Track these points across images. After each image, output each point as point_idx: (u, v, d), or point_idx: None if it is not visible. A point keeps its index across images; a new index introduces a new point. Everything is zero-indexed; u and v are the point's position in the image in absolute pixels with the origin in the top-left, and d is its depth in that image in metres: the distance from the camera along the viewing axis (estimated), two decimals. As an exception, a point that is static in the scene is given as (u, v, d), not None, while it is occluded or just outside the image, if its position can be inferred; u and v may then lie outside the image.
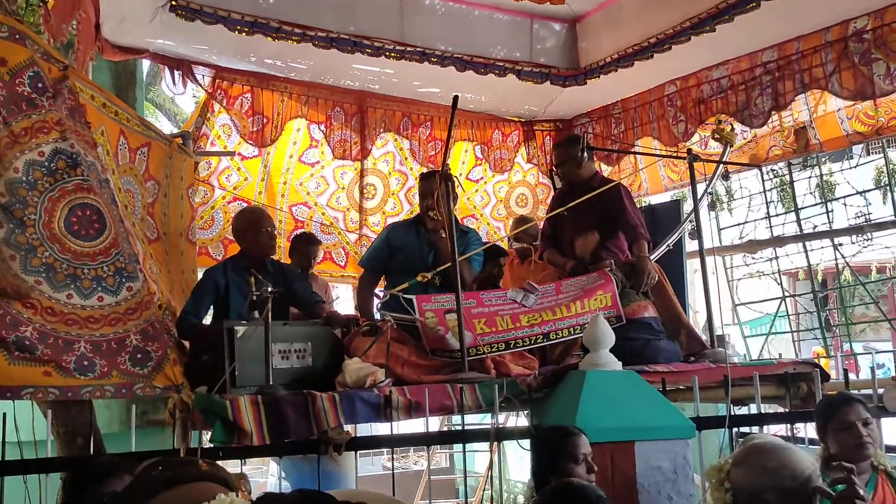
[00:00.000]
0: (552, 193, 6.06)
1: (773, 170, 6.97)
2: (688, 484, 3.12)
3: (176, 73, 5.19)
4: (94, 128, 3.37)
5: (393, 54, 5.19)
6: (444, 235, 3.95)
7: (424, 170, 5.96)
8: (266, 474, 7.77)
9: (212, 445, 2.99)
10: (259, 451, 3.12)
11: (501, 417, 3.46)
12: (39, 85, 2.96)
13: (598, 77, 5.69)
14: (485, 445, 3.42)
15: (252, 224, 4.06)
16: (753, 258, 7.09)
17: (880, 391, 3.61)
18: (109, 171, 3.41)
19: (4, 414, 2.85)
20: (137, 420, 3.20)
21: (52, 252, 2.94)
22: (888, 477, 2.86)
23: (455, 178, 4.03)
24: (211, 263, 4.83)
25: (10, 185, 2.85)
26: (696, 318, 6.05)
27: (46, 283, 2.90)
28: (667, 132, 5.74)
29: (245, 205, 5.31)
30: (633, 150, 5.97)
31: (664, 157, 5.81)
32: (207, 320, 4.04)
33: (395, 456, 3.61)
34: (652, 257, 4.45)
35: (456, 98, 3.81)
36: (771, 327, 7.22)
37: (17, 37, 2.91)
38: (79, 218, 3.01)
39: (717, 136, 4.80)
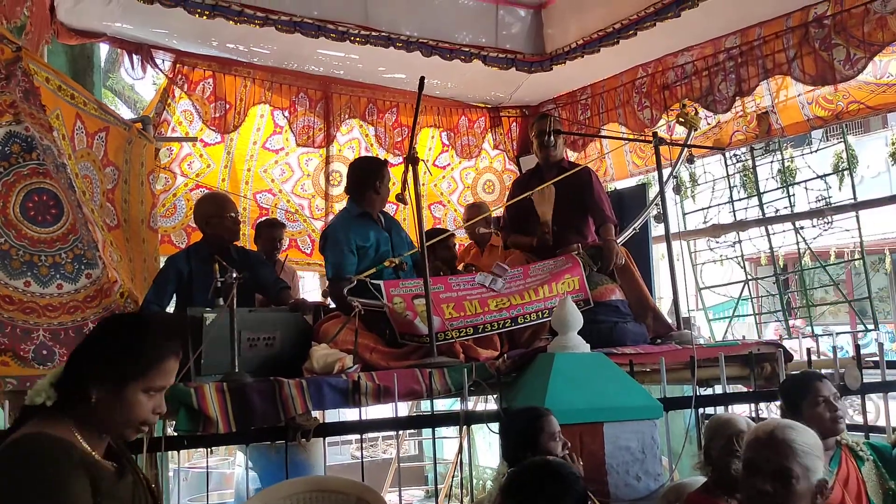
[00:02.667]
0: (511, 185, 6.06)
1: (735, 155, 7.07)
2: (655, 464, 3.15)
3: (135, 57, 5.07)
4: (49, 111, 3.28)
5: (358, 39, 5.13)
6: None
7: (390, 156, 5.93)
8: (233, 465, 7.68)
9: (176, 434, 2.93)
10: (225, 438, 3.06)
11: (470, 403, 3.46)
12: (-9, 66, 2.87)
13: (564, 63, 5.69)
14: (453, 432, 3.41)
15: (216, 209, 4.00)
16: (717, 242, 7.18)
17: (842, 371, 3.68)
18: (66, 156, 3.33)
19: (-40, 405, 2.76)
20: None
21: (7, 238, 2.86)
22: (851, 452, 2.91)
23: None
24: (174, 251, 4.75)
25: (-38, 169, 2.76)
26: (662, 304, 6.12)
27: (2, 270, 2.83)
28: (633, 118, 5.77)
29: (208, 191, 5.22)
30: (600, 133, 6.00)
31: (630, 140, 5.85)
32: (170, 309, 3.97)
33: (363, 444, 3.59)
34: (619, 241, 4.47)
35: (422, 79, 3.77)
36: (735, 310, 7.33)
37: (-33, 17, 2.81)
38: (35, 203, 2.93)
39: (681, 119, 4.84)
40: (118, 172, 4.31)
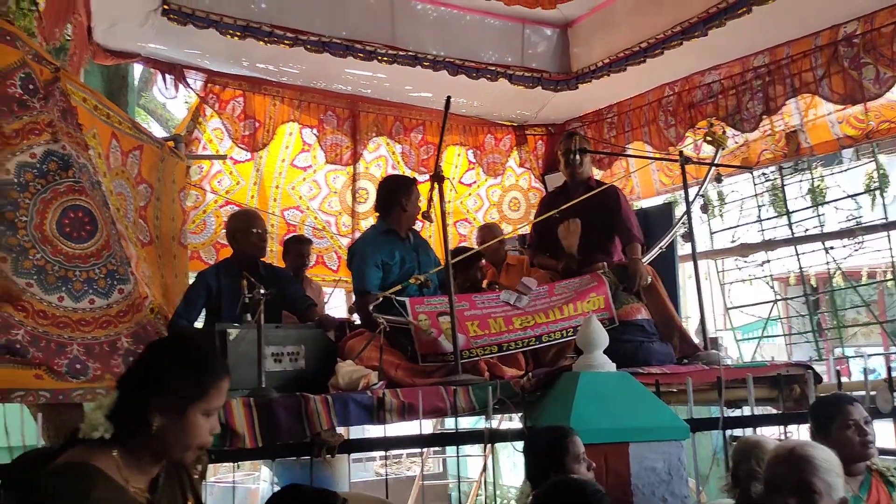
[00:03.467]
0: (539, 204, 6.07)
1: (764, 174, 7.01)
2: (682, 485, 3.11)
3: (168, 77, 5.19)
4: (85, 130, 3.35)
5: (385, 58, 5.21)
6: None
7: (416, 174, 5.97)
8: (258, 480, 7.72)
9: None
10: (251, 453, 3.10)
11: (494, 421, 3.45)
12: (31, 86, 2.94)
13: (590, 81, 5.72)
14: (477, 450, 3.40)
15: (242, 224, 4.07)
16: (745, 261, 7.11)
17: (873, 393, 3.62)
18: (101, 174, 3.40)
19: (-6, 417, 2.82)
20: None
21: (43, 254, 2.91)
22: (882, 478, 2.86)
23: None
24: (203, 268, 4.82)
25: (1, 186, 2.83)
26: (689, 324, 6.06)
27: (38, 285, 2.87)
28: (658, 136, 5.76)
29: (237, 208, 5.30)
30: (626, 152, 5.99)
31: (656, 159, 5.83)
32: (200, 324, 4.02)
33: (387, 461, 3.60)
34: (644, 260, 4.46)
35: (448, 99, 3.81)
36: (763, 331, 7.24)
37: (8, 38, 2.89)
38: (70, 220, 2.98)
39: (708, 138, 4.82)
40: (151, 190, 4.38)
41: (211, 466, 5.59)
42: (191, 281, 4.43)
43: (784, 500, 2.05)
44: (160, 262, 4.38)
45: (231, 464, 3.24)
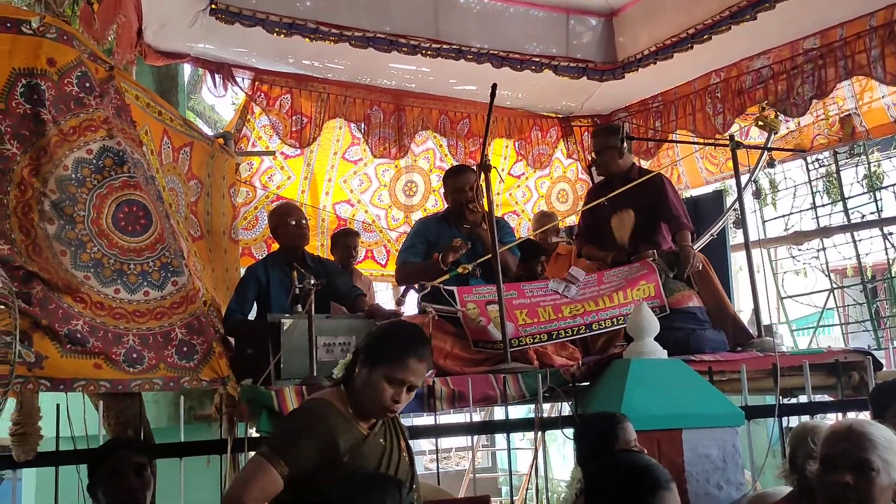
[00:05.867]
0: (587, 193, 6.02)
1: (818, 159, 6.84)
2: (737, 472, 3.06)
3: (217, 76, 5.28)
4: (138, 127, 3.43)
5: (429, 52, 5.22)
6: (485, 227, 3.94)
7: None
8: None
9: (258, 435, 3.02)
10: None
11: (545, 410, 3.43)
12: (87, 84, 3.03)
13: (636, 70, 5.65)
14: (527, 443, 3.39)
15: (278, 218, 4.14)
16: (800, 249, 6.95)
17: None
18: (154, 170, 3.48)
19: (58, 406, 2.91)
20: (184, 416, 3.24)
21: (100, 248, 2.99)
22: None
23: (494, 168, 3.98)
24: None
25: (60, 182, 2.91)
26: (741, 317, 5.94)
27: (95, 278, 2.95)
28: (705, 124, 5.66)
29: (283, 203, 5.37)
30: (673, 139, 5.91)
31: (706, 144, 5.73)
32: (251, 317, 4.09)
33: (438, 455, 3.61)
34: (695, 247, 4.37)
35: (494, 86, 3.78)
36: (819, 320, 7.06)
37: (65, 38, 2.98)
38: (125, 214, 3.05)
39: (760, 122, 4.70)
40: (201, 186, 4.47)
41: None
42: (241, 275, 4.51)
43: (840, 477, 2.00)
44: (211, 257, 4.47)
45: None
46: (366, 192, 6.07)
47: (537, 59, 5.55)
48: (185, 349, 3.05)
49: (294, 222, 4.08)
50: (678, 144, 6.20)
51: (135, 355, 2.93)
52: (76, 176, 2.96)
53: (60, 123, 2.94)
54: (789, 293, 7.38)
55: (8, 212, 2.83)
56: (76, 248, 2.92)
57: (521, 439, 7.51)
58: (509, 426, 3.40)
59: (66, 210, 2.93)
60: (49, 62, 2.93)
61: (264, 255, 5.25)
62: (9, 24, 2.88)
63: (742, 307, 6.39)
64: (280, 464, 2.12)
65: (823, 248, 6.86)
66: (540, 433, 3.25)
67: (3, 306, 2.37)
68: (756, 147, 4.76)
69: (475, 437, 7.21)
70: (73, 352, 2.80)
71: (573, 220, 6.08)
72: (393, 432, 2.36)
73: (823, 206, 6.84)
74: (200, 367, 3.07)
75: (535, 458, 3.29)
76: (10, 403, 2.73)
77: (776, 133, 4.88)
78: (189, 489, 3.12)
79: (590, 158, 6.58)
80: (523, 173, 6.63)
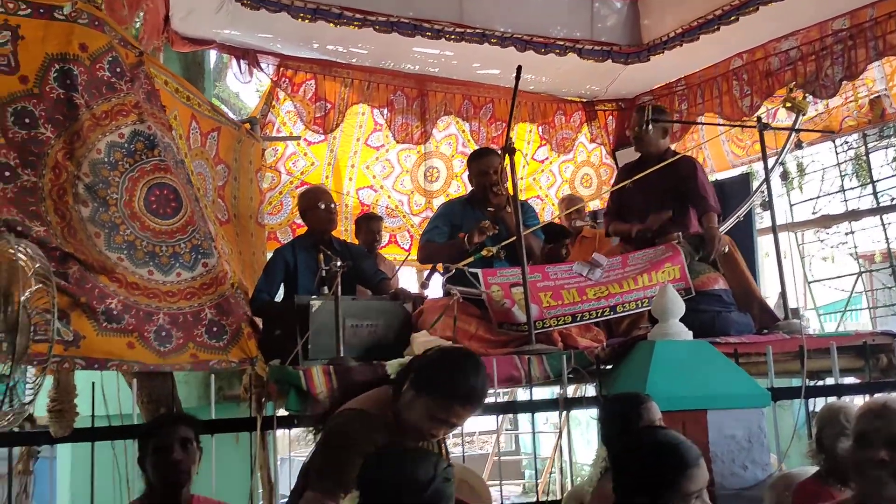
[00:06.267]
0: (615, 173, 5.98)
1: (846, 142, 6.76)
2: (763, 453, 3.06)
3: (242, 62, 5.33)
4: (168, 111, 3.49)
5: (452, 36, 5.23)
6: (509, 210, 3.95)
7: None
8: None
9: (286, 414, 3.07)
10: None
11: (569, 391, 3.45)
12: (118, 69, 3.08)
13: (662, 53, 5.62)
14: (551, 427, 3.40)
15: (307, 202, 4.19)
16: (827, 232, 6.87)
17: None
18: (183, 154, 3.53)
19: (93, 384, 2.98)
20: (214, 395, 3.31)
21: (132, 230, 3.05)
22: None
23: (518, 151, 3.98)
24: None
25: (93, 165, 2.97)
26: (768, 302, 5.90)
27: (128, 259, 3.01)
28: (732, 106, 5.62)
29: (308, 187, 5.42)
30: (700, 121, 5.86)
31: (733, 125, 5.67)
32: (279, 298, 4.14)
33: (463, 438, 3.63)
34: (721, 229, 4.35)
35: (519, 68, 3.76)
36: (847, 304, 6.99)
37: (97, 23, 3.03)
38: (157, 197, 3.11)
39: (788, 104, 4.64)
40: (228, 170, 4.53)
41: (287, 441, 5.77)
42: (267, 259, 4.57)
43: (875, 454, 1.99)
44: (238, 240, 4.53)
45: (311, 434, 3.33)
46: (388, 178, 6.11)
47: (561, 43, 5.54)
48: (214, 329, 3.10)
49: (323, 206, 4.13)
50: (703, 127, 6.15)
51: (164, 333, 2.99)
52: (109, 159, 3.02)
53: (93, 108, 3.00)
54: (817, 278, 7.31)
55: (43, 195, 2.90)
56: (110, 231, 2.98)
57: (545, 423, 7.53)
58: (534, 406, 3.42)
59: (100, 193, 2.99)
60: (81, 47, 2.98)
61: (290, 239, 5.33)
62: (42, 10, 2.93)
63: (768, 292, 6.35)
64: (337, 496, 2.04)
65: (852, 232, 6.78)
66: (564, 414, 3.27)
67: (41, 285, 2.42)
68: (784, 129, 4.71)
69: (500, 419, 7.25)
70: (109, 330, 2.87)
71: (597, 204, 6.07)
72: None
73: (852, 188, 6.76)
74: (229, 347, 3.12)
75: (560, 438, 3.30)
76: (48, 381, 2.80)
77: (804, 115, 4.82)
78: (218, 465, 3.18)
79: (614, 144, 6.58)
80: (547, 158, 6.62)
